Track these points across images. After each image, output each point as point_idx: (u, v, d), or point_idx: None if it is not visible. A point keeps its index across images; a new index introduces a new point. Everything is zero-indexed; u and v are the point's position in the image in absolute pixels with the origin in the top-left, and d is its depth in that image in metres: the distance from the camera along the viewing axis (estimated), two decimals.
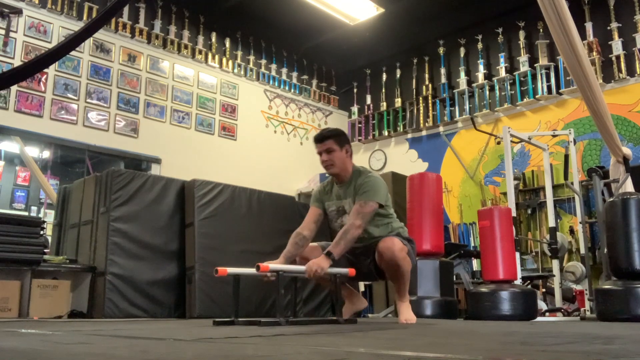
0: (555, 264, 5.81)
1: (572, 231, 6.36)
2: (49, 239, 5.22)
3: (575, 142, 5.88)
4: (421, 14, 7.69)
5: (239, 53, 7.87)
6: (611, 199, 4.09)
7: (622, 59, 6.42)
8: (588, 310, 5.05)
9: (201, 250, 4.54)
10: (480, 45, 7.65)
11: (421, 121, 8.09)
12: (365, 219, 3.02)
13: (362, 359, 1.26)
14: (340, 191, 3.22)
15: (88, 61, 6.32)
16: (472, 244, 7.06)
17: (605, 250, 4.25)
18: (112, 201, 4.32)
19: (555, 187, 6.36)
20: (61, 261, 4.38)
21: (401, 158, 8.19)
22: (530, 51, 7.23)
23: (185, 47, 7.25)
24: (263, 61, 8.17)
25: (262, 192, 5.14)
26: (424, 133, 8.18)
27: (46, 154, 6.40)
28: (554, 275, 5.71)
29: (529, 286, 5.08)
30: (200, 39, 7.45)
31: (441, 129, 7.99)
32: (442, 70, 8.05)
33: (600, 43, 6.61)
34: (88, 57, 6.33)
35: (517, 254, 4.82)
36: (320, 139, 3.20)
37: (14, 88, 5.67)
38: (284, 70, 8.38)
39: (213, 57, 7.53)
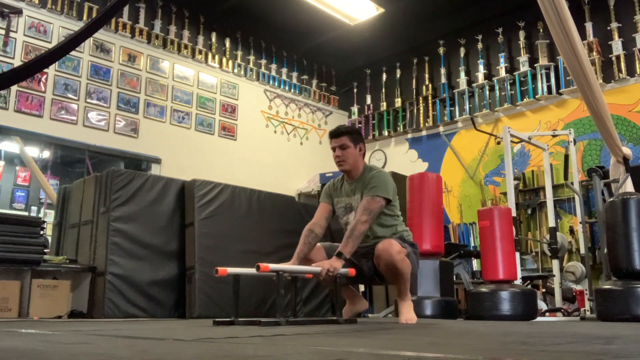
0: (555, 264, 5.81)
1: (572, 231, 6.36)
2: (49, 239, 5.22)
3: (575, 142, 5.88)
4: (421, 14, 7.70)
5: (239, 53, 7.88)
6: (611, 199, 4.09)
7: (622, 59, 6.43)
8: (588, 310, 5.05)
9: (201, 250, 4.54)
10: (480, 45, 7.66)
11: (421, 121, 8.09)
12: (372, 215, 3.03)
13: (362, 359, 1.25)
14: (349, 188, 3.24)
15: (88, 61, 6.32)
16: (472, 244, 7.06)
17: (605, 250, 4.25)
18: (112, 201, 4.32)
19: (555, 187, 6.36)
20: (61, 261, 4.38)
21: (401, 158, 8.19)
22: (530, 51, 7.23)
23: (185, 47, 7.25)
24: (263, 61, 8.17)
25: (262, 192, 5.14)
26: (424, 133, 8.18)
27: (46, 154, 6.40)
28: (554, 275, 5.71)
29: (529, 286, 5.09)
30: (200, 39, 7.45)
31: (441, 129, 7.99)
32: (442, 70, 8.05)
33: (600, 43, 6.61)
34: (88, 57, 6.33)
35: (517, 254, 4.82)
36: (336, 134, 3.24)
37: (14, 88, 5.67)
38: (284, 70, 8.38)
39: (213, 57, 7.53)
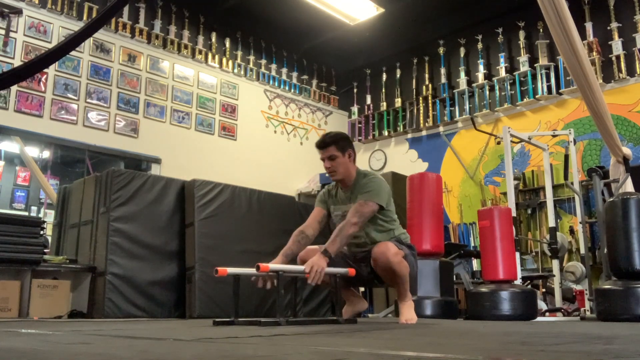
0: (555, 264, 5.81)
1: (572, 231, 6.36)
2: (49, 239, 5.22)
3: (575, 142, 5.88)
4: (421, 14, 7.70)
5: (239, 53, 7.88)
6: (611, 199, 4.09)
7: (622, 59, 6.43)
8: (588, 310, 5.05)
9: (201, 250, 4.54)
10: (480, 45, 7.66)
11: (421, 121, 8.09)
12: (362, 218, 2.98)
13: (362, 359, 1.25)
14: (344, 195, 3.20)
15: (88, 61, 6.32)
16: (472, 244, 7.06)
17: (605, 250, 4.25)
18: (112, 201, 4.32)
19: (555, 187, 6.36)
20: (61, 261, 4.38)
21: (401, 158, 8.19)
22: (530, 51, 7.23)
23: (185, 47, 7.25)
24: (263, 61, 8.17)
25: (262, 192, 5.14)
26: (424, 133, 8.18)
27: (46, 154, 6.40)
28: (554, 275, 5.71)
29: (529, 286, 5.08)
30: (200, 39, 7.45)
31: (441, 129, 7.99)
32: (442, 70, 8.05)
33: (600, 43, 6.61)
34: (88, 57, 6.33)
35: (517, 254, 4.82)
36: (322, 145, 3.16)
37: (14, 88, 5.67)
38: (284, 70, 8.38)
39: (213, 57, 7.53)
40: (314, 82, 8.80)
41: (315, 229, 3.18)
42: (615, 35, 6.52)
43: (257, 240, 4.81)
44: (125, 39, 6.68)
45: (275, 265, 2.78)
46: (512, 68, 7.41)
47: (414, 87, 8.32)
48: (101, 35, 6.41)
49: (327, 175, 3.22)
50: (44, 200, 6.99)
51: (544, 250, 6.41)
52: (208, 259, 4.48)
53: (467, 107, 7.72)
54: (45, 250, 4.47)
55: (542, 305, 5.39)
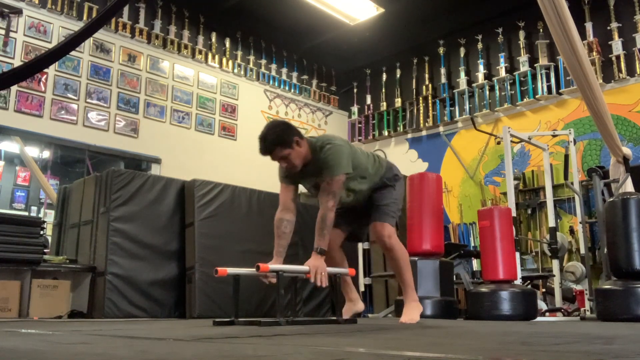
0: (555, 264, 5.81)
1: (572, 231, 6.36)
2: (49, 239, 5.22)
3: (575, 142, 5.88)
4: (421, 14, 7.70)
5: (239, 53, 7.87)
6: (611, 199, 4.09)
7: (622, 59, 6.42)
8: (588, 310, 5.05)
9: (201, 250, 4.54)
10: (480, 45, 7.65)
11: (421, 121, 8.09)
12: (336, 196, 2.94)
13: (362, 359, 1.26)
14: (310, 169, 3.04)
15: (88, 61, 6.32)
16: (472, 244, 7.06)
17: (605, 250, 4.25)
18: (112, 201, 4.32)
19: (555, 187, 6.36)
20: (61, 261, 4.38)
21: (401, 158, 8.19)
22: (530, 51, 7.23)
23: (185, 47, 7.25)
24: (263, 61, 8.17)
25: (262, 192, 5.14)
26: (424, 133, 8.18)
27: (46, 154, 6.40)
28: (554, 275, 5.72)
29: (529, 286, 5.08)
30: (200, 39, 7.45)
31: (441, 129, 7.99)
32: (442, 70, 8.05)
33: (600, 43, 6.61)
34: (88, 57, 6.33)
35: (517, 254, 4.82)
36: (265, 153, 2.94)
37: (14, 88, 5.67)
38: (284, 70, 8.38)
39: (213, 57, 7.53)
40: (314, 82, 8.80)
41: (293, 209, 3.09)
42: (615, 35, 6.52)
43: (257, 240, 4.81)
44: (125, 39, 6.68)
45: (275, 265, 2.78)
46: (512, 68, 7.40)
47: (414, 87, 8.32)
48: (101, 35, 6.41)
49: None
50: (44, 200, 6.99)
51: (544, 250, 6.41)
52: (208, 259, 4.48)
53: (467, 107, 7.71)
54: (45, 250, 4.47)
55: (542, 305, 5.39)
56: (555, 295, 5.67)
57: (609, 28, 6.59)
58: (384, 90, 8.65)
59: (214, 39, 7.61)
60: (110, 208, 4.31)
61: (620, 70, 6.43)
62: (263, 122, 7.96)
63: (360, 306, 3.40)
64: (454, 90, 7.89)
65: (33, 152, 6.40)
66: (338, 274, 2.97)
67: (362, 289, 5.94)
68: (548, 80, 6.99)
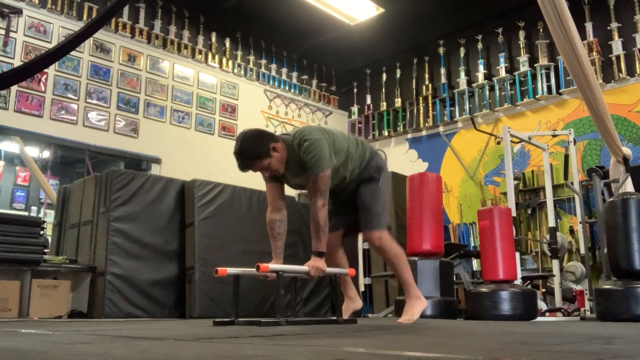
0: (555, 264, 5.81)
1: (572, 231, 6.36)
2: (49, 239, 5.22)
3: (575, 142, 5.88)
4: (421, 14, 7.70)
5: (239, 53, 7.87)
6: (611, 199, 4.09)
7: (622, 59, 6.42)
8: (588, 310, 5.05)
9: (201, 250, 4.54)
10: (480, 45, 7.65)
11: (421, 121, 8.09)
12: (325, 193, 2.86)
13: (362, 359, 1.26)
14: (289, 168, 2.97)
15: (88, 61, 6.32)
16: (472, 244, 7.06)
17: (605, 250, 4.25)
18: (112, 201, 4.33)
19: (555, 187, 6.36)
20: (61, 261, 4.38)
21: (401, 158, 8.19)
22: (530, 51, 7.23)
23: (185, 47, 7.25)
24: (263, 61, 8.17)
25: (262, 192, 5.10)
26: (424, 133, 8.18)
27: (46, 154, 6.40)
28: (554, 275, 5.71)
29: (529, 286, 5.08)
30: (200, 39, 7.45)
31: (441, 129, 7.99)
32: (442, 70, 8.05)
33: (600, 43, 6.61)
34: (88, 57, 6.33)
35: (517, 254, 4.82)
36: (245, 168, 2.86)
37: (14, 88, 5.67)
38: (284, 70, 8.38)
39: (213, 57, 7.53)
40: (314, 82, 8.80)
41: (283, 207, 3.04)
42: (615, 35, 6.52)
43: (257, 240, 4.81)
44: (125, 39, 6.68)
45: (275, 265, 2.78)
46: (512, 68, 7.40)
47: (414, 87, 8.32)
48: (101, 35, 6.41)
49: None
50: (44, 200, 6.99)
51: (544, 250, 6.41)
52: (208, 259, 4.49)
53: (467, 107, 7.71)
54: (45, 250, 4.47)
55: (542, 305, 5.39)
56: (555, 295, 5.67)
57: (609, 28, 6.59)
58: (384, 90, 8.65)
59: (214, 39, 7.61)
60: (110, 208, 4.31)
61: (620, 70, 6.43)
62: (263, 122, 8.05)
63: (358, 304, 3.37)
64: (454, 90, 7.88)
65: (33, 152, 6.40)
66: (338, 274, 2.97)
67: (362, 289, 5.94)
68: (548, 80, 6.99)
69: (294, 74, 8.56)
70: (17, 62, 5.73)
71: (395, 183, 5.99)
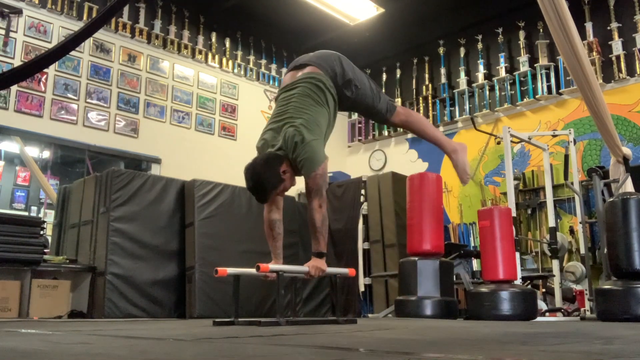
0: (555, 264, 5.81)
1: (572, 231, 6.36)
2: (49, 239, 5.22)
3: (575, 142, 5.88)
4: (421, 14, 7.69)
5: (239, 53, 7.87)
6: (611, 199, 4.09)
7: (622, 59, 6.42)
8: (588, 310, 5.05)
9: (201, 250, 4.54)
10: (480, 45, 7.65)
11: None
12: (321, 192, 2.80)
13: (362, 359, 1.25)
14: None
15: (88, 61, 6.32)
16: (472, 244, 7.06)
17: (605, 250, 4.25)
18: (112, 201, 4.32)
19: (555, 187, 6.36)
20: (61, 261, 4.38)
21: (401, 158, 8.19)
22: (530, 51, 7.23)
23: (185, 47, 7.25)
24: (263, 61, 8.16)
25: None
26: None
27: (46, 154, 6.40)
28: (554, 275, 5.71)
29: (529, 286, 5.08)
30: (200, 39, 7.45)
31: (441, 129, 7.98)
32: (442, 70, 8.05)
33: (600, 43, 6.61)
34: (88, 57, 6.33)
35: (517, 254, 4.82)
36: (265, 201, 2.84)
37: (14, 88, 5.67)
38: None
39: (213, 57, 7.53)
40: None
41: (280, 208, 3.01)
42: (615, 35, 6.52)
43: (257, 240, 4.81)
44: (125, 39, 6.68)
45: (275, 265, 2.79)
46: (512, 68, 7.40)
47: (414, 87, 8.32)
48: (101, 35, 6.41)
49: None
50: (44, 200, 6.99)
51: (544, 250, 6.41)
52: (208, 259, 4.49)
53: (467, 107, 7.71)
54: (45, 250, 4.47)
55: (542, 305, 5.39)
56: (555, 295, 5.67)
57: (609, 28, 6.59)
58: (383, 90, 8.63)
59: (214, 39, 7.61)
60: (110, 208, 4.31)
61: (620, 70, 6.43)
62: (263, 122, 7.99)
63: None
64: (454, 90, 7.88)
65: (33, 152, 6.40)
66: (338, 274, 2.97)
67: (362, 289, 5.94)
68: (548, 80, 6.99)
69: None
70: (17, 62, 5.73)
71: (395, 183, 6.01)
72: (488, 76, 7.58)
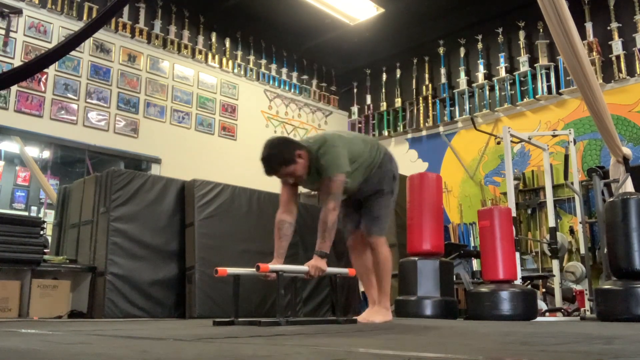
0: (555, 264, 5.81)
1: (572, 231, 6.36)
2: (49, 239, 5.22)
3: (575, 142, 5.88)
4: (421, 14, 7.70)
5: (239, 53, 7.88)
6: (611, 199, 4.09)
7: (622, 59, 6.43)
8: (588, 310, 5.05)
9: (201, 250, 4.53)
10: (480, 45, 7.66)
11: (421, 121, 8.09)
12: (336, 197, 2.92)
13: (362, 359, 1.26)
14: (310, 173, 3.06)
15: (88, 61, 6.32)
16: (472, 244, 7.06)
17: (605, 250, 4.25)
18: (112, 201, 4.32)
19: (555, 187, 6.36)
20: (61, 261, 4.38)
21: (401, 158, 8.11)
22: (530, 51, 7.23)
23: (185, 47, 7.25)
24: (263, 61, 8.17)
25: (262, 192, 5.14)
26: (424, 133, 8.18)
27: (46, 154, 6.40)
28: (554, 275, 5.71)
29: (529, 286, 5.08)
30: (200, 39, 7.45)
31: (441, 129, 7.99)
32: (442, 70, 8.05)
33: (600, 43, 6.61)
34: (88, 57, 6.33)
35: (517, 254, 4.82)
36: (271, 173, 2.97)
37: (14, 88, 5.67)
38: (284, 70, 8.38)
39: (213, 57, 7.54)
40: (314, 82, 8.80)
41: (294, 211, 3.09)
42: (615, 35, 6.52)
43: (257, 240, 4.81)
44: (125, 39, 6.68)
45: (275, 265, 2.78)
46: (512, 68, 7.41)
47: (414, 87, 8.32)
48: (101, 35, 6.41)
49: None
50: (44, 200, 6.99)
51: (544, 250, 6.41)
52: (208, 259, 4.48)
53: (467, 107, 7.72)
54: (45, 250, 4.46)
55: (542, 305, 5.39)
56: (555, 295, 5.67)
57: (609, 28, 6.59)
58: (384, 90, 8.65)
59: (214, 39, 7.61)
60: (110, 208, 4.31)
61: (620, 70, 6.43)
62: (263, 122, 8.05)
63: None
64: (454, 90, 7.89)
65: (33, 152, 6.40)
66: (338, 274, 2.97)
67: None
68: (548, 80, 6.99)
69: (294, 74, 8.56)
70: (17, 62, 5.73)
71: None
72: (488, 76, 7.58)
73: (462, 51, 7.82)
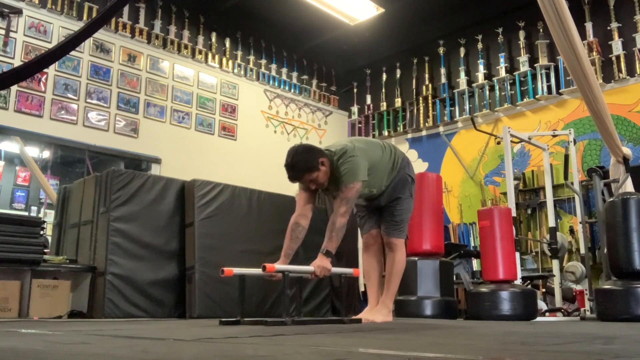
0: (555, 264, 5.81)
1: (572, 231, 6.36)
2: (49, 239, 5.22)
3: (575, 142, 5.88)
4: (421, 14, 7.70)
5: (239, 53, 7.87)
6: (611, 199, 4.09)
7: (622, 59, 6.42)
8: (588, 310, 5.05)
9: (201, 250, 4.53)
10: (480, 45, 7.65)
11: (421, 121, 8.09)
12: (350, 203, 3.02)
13: (362, 358, 1.26)
14: (330, 180, 3.14)
15: (88, 61, 6.32)
16: (472, 244, 7.06)
17: (605, 250, 4.25)
18: (112, 201, 4.32)
19: (555, 187, 6.36)
20: (61, 261, 4.38)
21: None
22: (530, 51, 7.23)
23: (185, 47, 7.25)
24: (263, 61, 8.17)
25: (262, 192, 5.14)
26: (424, 133, 8.18)
27: (46, 154, 6.40)
28: (554, 275, 5.71)
29: (529, 286, 5.08)
30: (200, 39, 7.45)
31: (441, 129, 7.99)
32: (442, 70, 8.05)
33: (600, 43, 6.61)
34: (88, 57, 6.33)
35: (517, 254, 4.82)
36: (295, 180, 3.05)
37: (14, 88, 5.67)
38: (284, 70, 8.38)
39: (213, 57, 7.54)
40: (314, 82, 8.80)
41: (308, 216, 3.15)
42: (615, 35, 6.52)
43: (257, 240, 4.81)
44: (125, 39, 6.68)
45: (281, 265, 2.79)
46: (512, 68, 7.40)
47: (414, 87, 8.32)
48: (101, 35, 6.41)
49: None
50: (44, 200, 6.99)
51: (544, 250, 6.41)
52: (208, 259, 4.48)
53: (467, 107, 7.72)
54: (45, 250, 4.46)
55: (542, 305, 5.39)
56: (555, 295, 5.67)
57: (609, 28, 6.59)
58: (384, 90, 8.65)
59: (214, 39, 7.61)
60: (110, 208, 4.31)
61: (620, 70, 6.43)
62: (263, 122, 8.06)
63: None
64: (454, 90, 7.89)
65: (33, 152, 6.40)
66: (342, 274, 2.99)
67: (362, 289, 5.94)
68: (548, 80, 6.99)
69: (294, 74, 8.55)
70: (17, 62, 5.73)
71: None
72: (488, 76, 7.58)
73: (462, 51, 7.82)
